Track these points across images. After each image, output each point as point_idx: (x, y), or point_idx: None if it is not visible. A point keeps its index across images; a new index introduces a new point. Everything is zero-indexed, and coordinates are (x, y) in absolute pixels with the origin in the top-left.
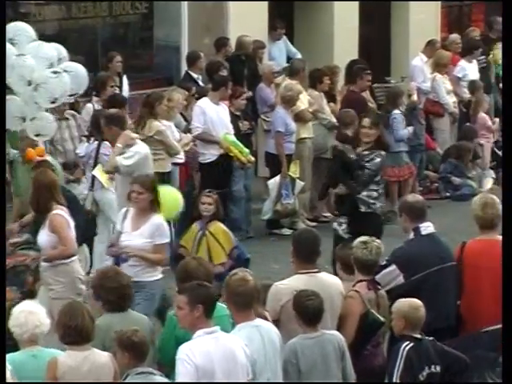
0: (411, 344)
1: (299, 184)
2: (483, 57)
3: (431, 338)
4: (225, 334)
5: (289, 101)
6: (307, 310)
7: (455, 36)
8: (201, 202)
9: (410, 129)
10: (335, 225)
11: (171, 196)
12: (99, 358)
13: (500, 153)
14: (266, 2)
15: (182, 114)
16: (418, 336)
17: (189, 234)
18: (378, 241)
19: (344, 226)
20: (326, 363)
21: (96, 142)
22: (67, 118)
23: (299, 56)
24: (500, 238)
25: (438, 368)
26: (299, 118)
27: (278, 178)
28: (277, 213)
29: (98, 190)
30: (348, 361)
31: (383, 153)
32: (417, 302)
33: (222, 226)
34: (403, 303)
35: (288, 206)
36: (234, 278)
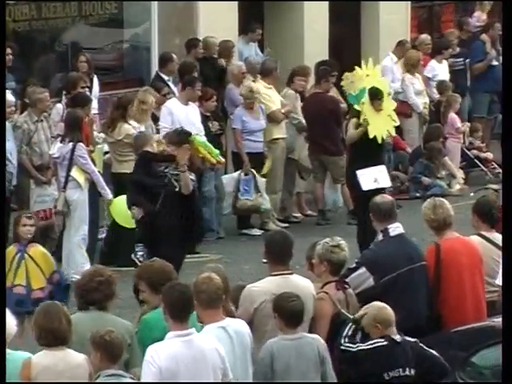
0: (385, 342)
1: (262, 181)
2: (461, 59)
3: (414, 340)
4: (200, 336)
5: (245, 99)
6: (291, 311)
7: (425, 36)
8: (22, 225)
9: None
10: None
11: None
12: (74, 359)
13: (470, 153)
14: (236, 3)
15: (153, 113)
16: (396, 337)
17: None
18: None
19: (140, 254)
20: (301, 366)
21: (71, 143)
22: (42, 120)
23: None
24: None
25: (413, 371)
26: (271, 118)
27: (234, 174)
28: (235, 208)
29: (72, 190)
30: (329, 365)
31: (193, 175)
32: (380, 303)
33: (41, 249)
34: (370, 308)
35: (247, 202)
36: (200, 276)
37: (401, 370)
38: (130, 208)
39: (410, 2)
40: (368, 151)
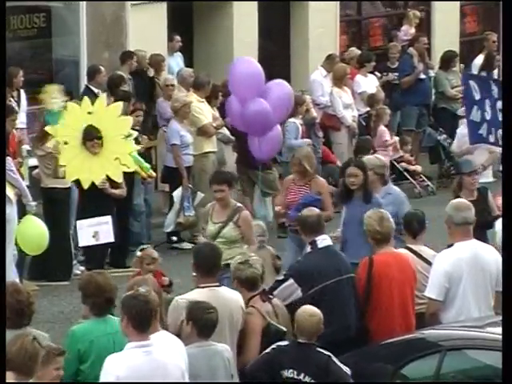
0: (286, 343)
1: (199, 196)
2: (396, 74)
3: (327, 354)
4: (160, 348)
5: (177, 112)
6: (205, 322)
7: (356, 50)
8: None
9: (307, 141)
10: None
11: (37, 230)
12: None
13: (399, 166)
14: (166, 17)
15: None
16: (299, 340)
17: None
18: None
19: None
20: (212, 373)
21: None
22: None
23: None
24: (395, 250)
25: (309, 379)
26: (202, 132)
27: (178, 190)
28: (180, 225)
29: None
30: (235, 374)
31: None
32: (312, 310)
33: None
34: (300, 309)
35: (189, 218)
36: (132, 293)
37: (295, 372)
38: None
39: (338, 16)
40: (93, 199)
